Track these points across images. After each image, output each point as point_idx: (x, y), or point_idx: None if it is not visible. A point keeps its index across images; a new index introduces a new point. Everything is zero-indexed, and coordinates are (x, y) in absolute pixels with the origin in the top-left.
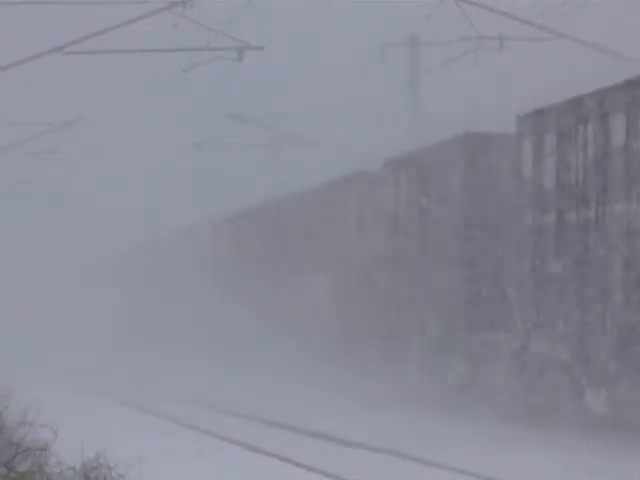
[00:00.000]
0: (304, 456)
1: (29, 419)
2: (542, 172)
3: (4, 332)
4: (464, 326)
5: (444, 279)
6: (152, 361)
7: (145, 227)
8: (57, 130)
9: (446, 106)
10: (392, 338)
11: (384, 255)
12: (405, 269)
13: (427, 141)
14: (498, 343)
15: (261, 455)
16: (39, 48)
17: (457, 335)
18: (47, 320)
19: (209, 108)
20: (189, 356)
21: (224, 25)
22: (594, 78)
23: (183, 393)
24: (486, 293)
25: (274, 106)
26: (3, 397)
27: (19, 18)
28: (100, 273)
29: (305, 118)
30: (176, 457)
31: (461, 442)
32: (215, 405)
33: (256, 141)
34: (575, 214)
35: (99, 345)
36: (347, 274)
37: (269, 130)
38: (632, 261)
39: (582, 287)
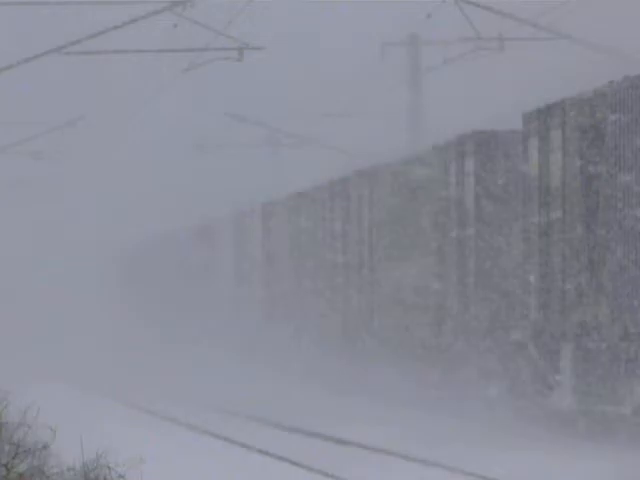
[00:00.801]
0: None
1: (29, 419)
2: None
3: (4, 332)
4: None
5: (625, 265)
6: (158, 360)
7: (145, 227)
8: (57, 130)
9: (446, 106)
10: (534, 344)
11: (522, 234)
12: (562, 253)
13: (428, 141)
14: None
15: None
16: (39, 48)
17: None
18: (48, 320)
19: (209, 108)
20: (212, 355)
21: (224, 25)
22: (595, 78)
23: (200, 396)
24: None
25: (274, 106)
26: (2, 397)
27: (19, 18)
28: (103, 272)
29: (305, 118)
30: (176, 457)
31: None
32: (225, 407)
33: (256, 141)
34: None
35: (101, 345)
36: (462, 260)
37: (269, 130)
38: None
39: None
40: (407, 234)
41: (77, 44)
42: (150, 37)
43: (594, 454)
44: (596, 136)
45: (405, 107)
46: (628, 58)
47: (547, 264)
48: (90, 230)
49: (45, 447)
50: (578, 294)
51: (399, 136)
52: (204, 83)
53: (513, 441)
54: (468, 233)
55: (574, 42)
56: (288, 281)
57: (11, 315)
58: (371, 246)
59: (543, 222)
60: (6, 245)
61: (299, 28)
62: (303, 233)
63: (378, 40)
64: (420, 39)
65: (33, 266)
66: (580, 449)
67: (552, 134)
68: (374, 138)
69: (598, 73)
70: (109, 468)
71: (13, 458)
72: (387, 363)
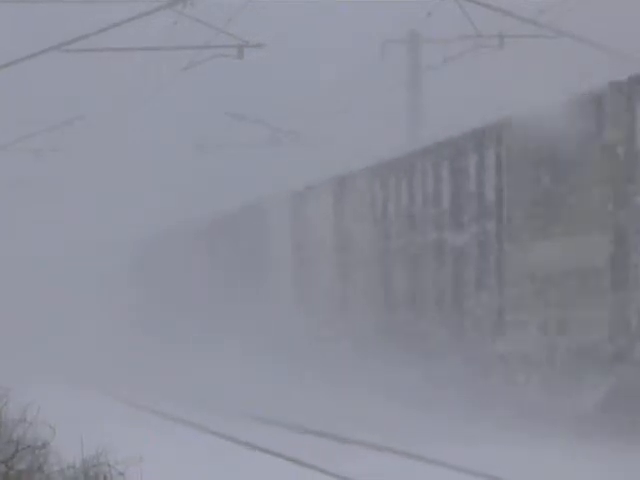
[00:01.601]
0: None
1: (29, 417)
2: None
3: (4, 331)
4: None
5: None
6: (169, 363)
7: (144, 226)
8: (57, 128)
9: (446, 105)
10: None
11: None
12: None
13: (427, 141)
14: None
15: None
16: (39, 46)
17: None
18: (50, 321)
19: (209, 107)
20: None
21: (224, 23)
22: (595, 77)
23: (211, 399)
24: None
25: (274, 105)
26: (3, 394)
27: (18, 16)
28: (109, 271)
29: (305, 117)
30: (176, 456)
31: None
32: (233, 409)
33: (256, 140)
34: None
35: (106, 346)
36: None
37: (269, 129)
38: None
39: None
40: (559, 204)
41: (77, 42)
42: (150, 35)
43: None
44: None
45: (405, 106)
46: (628, 57)
47: None
48: (90, 229)
49: (45, 445)
50: None
51: (399, 136)
52: (204, 81)
53: None
54: None
55: (575, 40)
56: (372, 270)
57: (11, 315)
58: (500, 220)
59: None
60: (6, 245)
61: (299, 26)
62: (393, 210)
63: (378, 39)
64: (420, 37)
65: (33, 266)
66: None
67: None
68: (374, 137)
69: (598, 72)
70: (109, 466)
71: (13, 456)
72: (528, 374)
